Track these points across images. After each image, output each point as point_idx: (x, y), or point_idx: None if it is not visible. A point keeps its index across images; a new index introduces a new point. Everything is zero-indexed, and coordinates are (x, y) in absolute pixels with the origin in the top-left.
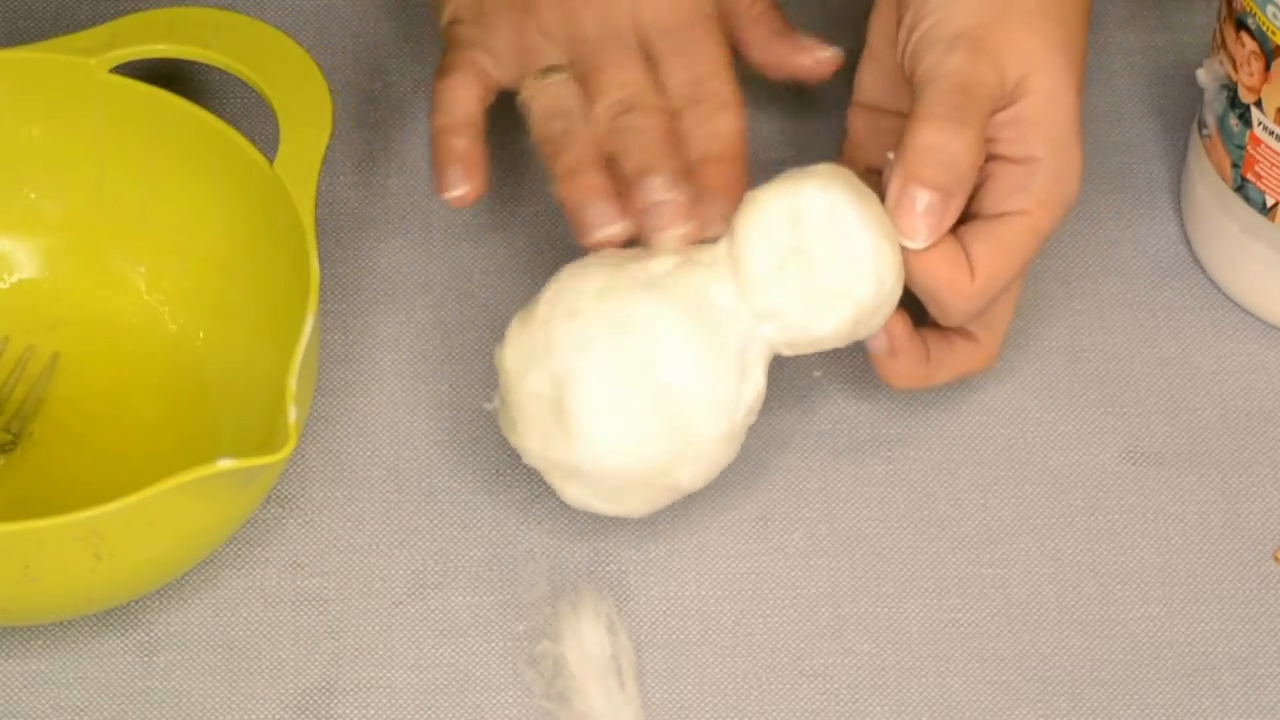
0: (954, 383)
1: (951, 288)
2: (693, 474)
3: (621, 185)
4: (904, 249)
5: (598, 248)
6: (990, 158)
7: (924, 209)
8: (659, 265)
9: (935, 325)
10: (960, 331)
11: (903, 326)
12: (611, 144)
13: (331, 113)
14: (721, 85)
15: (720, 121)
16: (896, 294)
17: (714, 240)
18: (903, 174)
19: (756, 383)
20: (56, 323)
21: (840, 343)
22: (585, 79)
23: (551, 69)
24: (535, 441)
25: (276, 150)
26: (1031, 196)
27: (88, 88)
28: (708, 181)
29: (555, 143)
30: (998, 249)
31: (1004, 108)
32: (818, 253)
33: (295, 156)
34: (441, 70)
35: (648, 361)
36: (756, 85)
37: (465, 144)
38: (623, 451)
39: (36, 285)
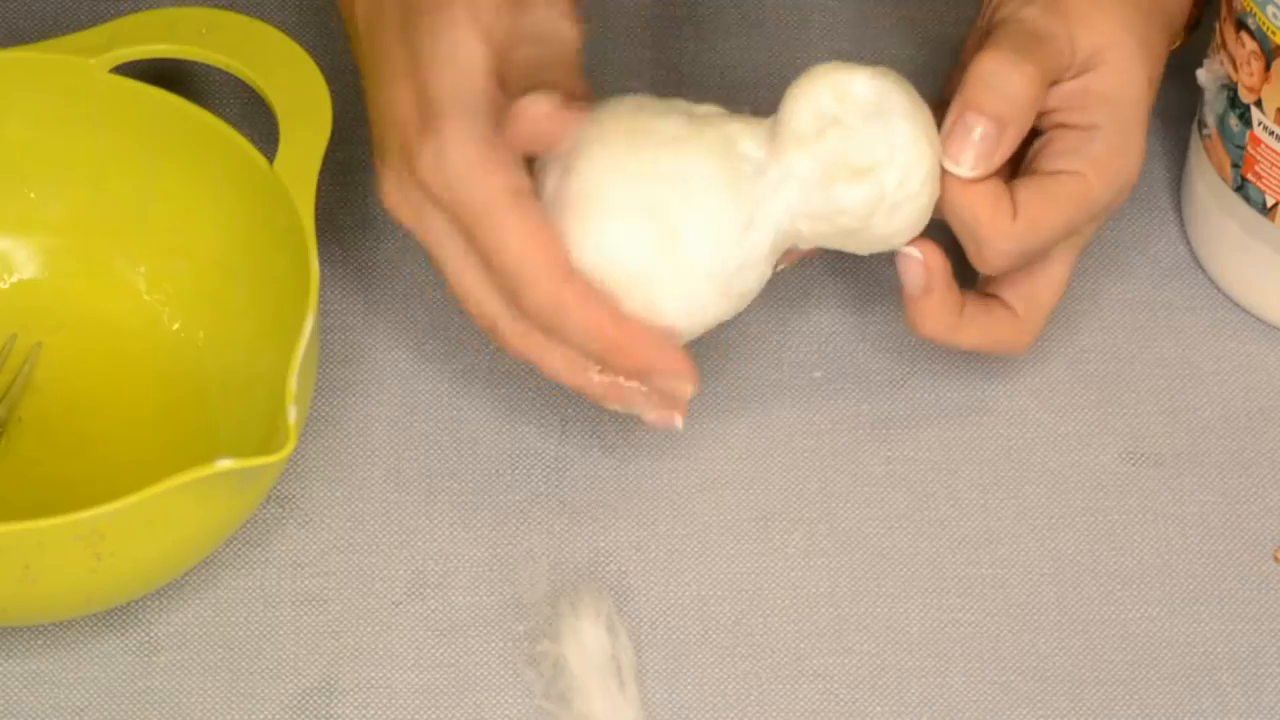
0: (983, 352)
1: (990, 224)
2: (676, 306)
3: None
4: (950, 178)
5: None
6: (1053, 126)
7: (975, 137)
8: (704, 108)
9: (981, 291)
10: (999, 300)
11: (940, 264)
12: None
13: (331, 113)
14: (539, 287)
15: (573, 332)
16: (920, 201)
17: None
18: (961, 101)
19: (760, 242)
20: (56, 323)
21: (856, 230)
22: None
23: None
24: None
25: (276, 150)
26: (1086, 160)
27: (88, 88)
28: (632, 375)
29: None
30: (1044, 199)
31: (1073, 77)
32: (855, 128)
33: (295, 156)
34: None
35: (659, 173)
36: None
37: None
38: (609, 245)
39: (36, 285)
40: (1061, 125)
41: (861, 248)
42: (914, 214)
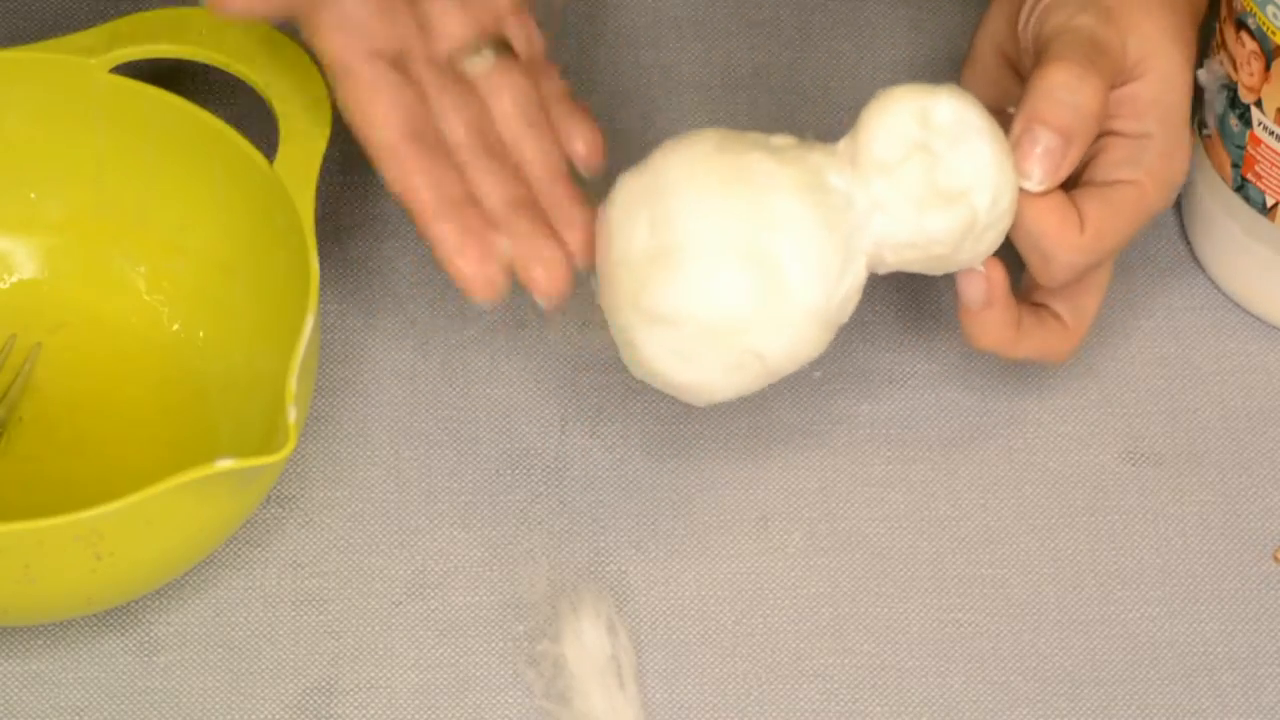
0: (1031, 364)
1: (1059, 236)
2: (777, 345)
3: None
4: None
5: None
6: (1103, 133)
7: (1043, 150)
8: (779, 139)
9: (1028, 301)
10: (1051, 311)
11: (1001, 277)
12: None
13: (331, 113)
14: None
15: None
16: (1006, 222)
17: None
18: (1027, 113)
19: (858, 273)
20: (56, 323)
21: (945, 256)
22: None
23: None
24: (626, 292)
25: (276, 150)
26: (1143, 169)
27: (88, 88)
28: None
29: None
30: (1108, 210)
31: (1121, 84)
32: (941, 153)
33: (295, 156)
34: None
35: (756, 213)
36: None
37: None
38: (713, 292)
39: (36, 285)
40: (1113, 133)
41: (937, 270)
42: (999, 235)
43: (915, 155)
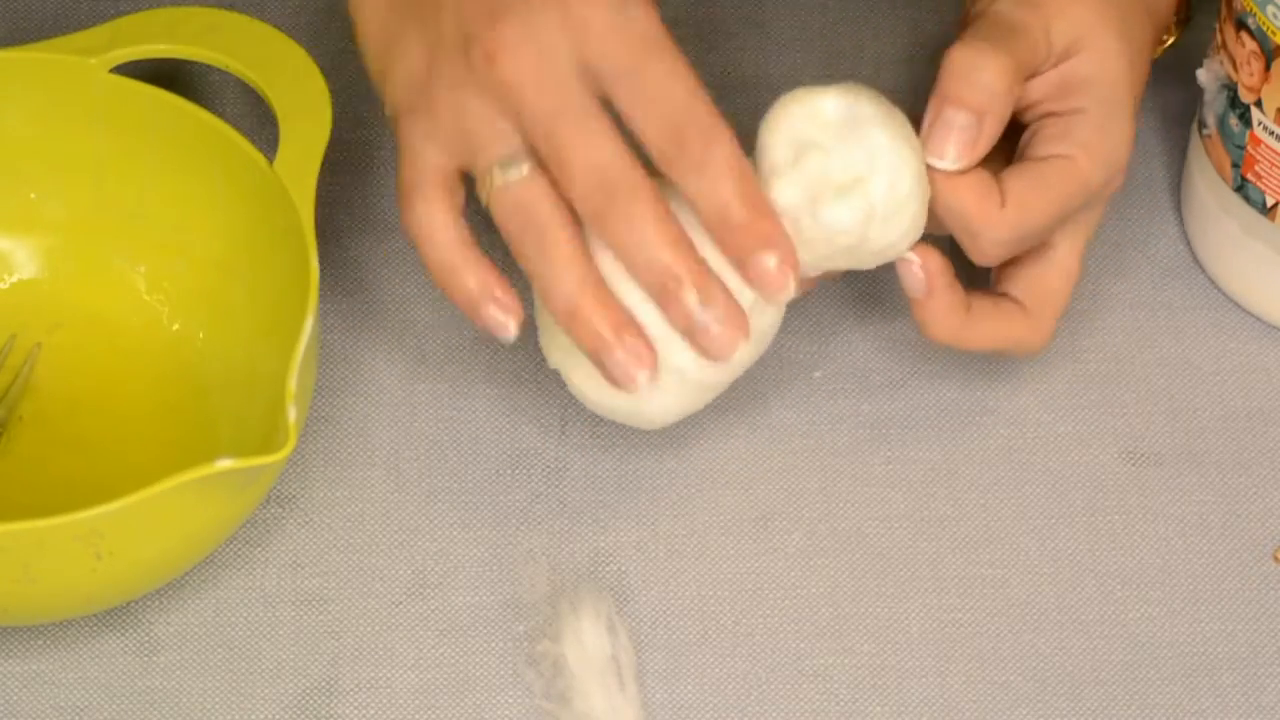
0: (999, 354)
1: (979, 212)
2: (696, 357)
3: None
4: (935, 174)
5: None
6: (1039, 116)
7: (955, 129)
8: None
9: (986, 289)
10: (1009, 298)
11: (938, 265)
12: (604, 236)
13: (331, 113)
14: (699, 119)
15: (713, 169)
16: (912, 206)
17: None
18: (938, 95)
19: None
20: (56, 323)
21: (855, 246)
22: (549, 164)
23: (509, 161)
24: (558, 329)
25: (276, 150)
26: (1074, 142)
27: (88, 88)
28: (733, 251)
29: (535, 265)
30: (1033, 183)
31: (1052, 67)
32: (833, 147)
33: (295, 156)
34: (404, 196)
35: None
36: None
37: (475, 279)
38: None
39: (36, 285)
40: (1049, 114)
41: (865, 262)
42: (908, 219)
43: (808, 153)
